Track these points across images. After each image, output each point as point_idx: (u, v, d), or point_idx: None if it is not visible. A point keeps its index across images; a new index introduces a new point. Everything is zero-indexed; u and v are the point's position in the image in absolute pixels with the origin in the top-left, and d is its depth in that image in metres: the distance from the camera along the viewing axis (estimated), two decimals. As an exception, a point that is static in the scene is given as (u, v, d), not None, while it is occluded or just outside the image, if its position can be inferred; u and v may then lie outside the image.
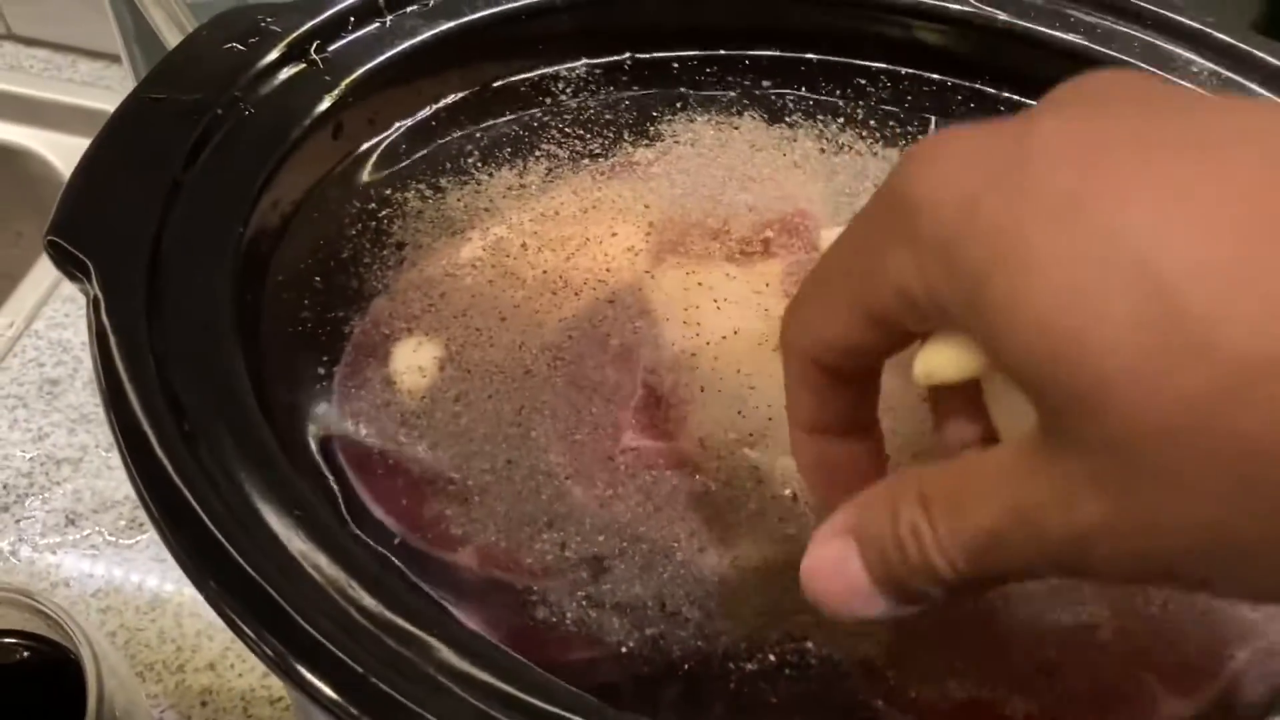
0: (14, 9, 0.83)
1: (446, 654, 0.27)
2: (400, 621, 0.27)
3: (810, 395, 0.26)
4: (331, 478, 0.33)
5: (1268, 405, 0.18)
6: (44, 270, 0.69)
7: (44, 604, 0.40)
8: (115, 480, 0.59)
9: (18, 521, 0.57)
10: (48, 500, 0.58)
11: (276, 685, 0.52)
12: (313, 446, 0.34)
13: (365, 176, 0.41)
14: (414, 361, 0.37)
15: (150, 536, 0.57)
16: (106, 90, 0.81)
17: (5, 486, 0.58)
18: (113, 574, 0.56)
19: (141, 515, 0.57)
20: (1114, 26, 0.44)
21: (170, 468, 0.29)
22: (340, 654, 0.26)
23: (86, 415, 0.62)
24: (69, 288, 0.68)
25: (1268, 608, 0.32)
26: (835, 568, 0.24)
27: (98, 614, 0.54)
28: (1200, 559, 0.19)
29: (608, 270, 0.40)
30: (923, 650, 0.31)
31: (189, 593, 0.54)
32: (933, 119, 0.46)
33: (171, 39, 0.56)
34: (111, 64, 0.83)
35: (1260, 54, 0.43)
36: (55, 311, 0.67)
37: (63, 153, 0.79)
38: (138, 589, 0.55)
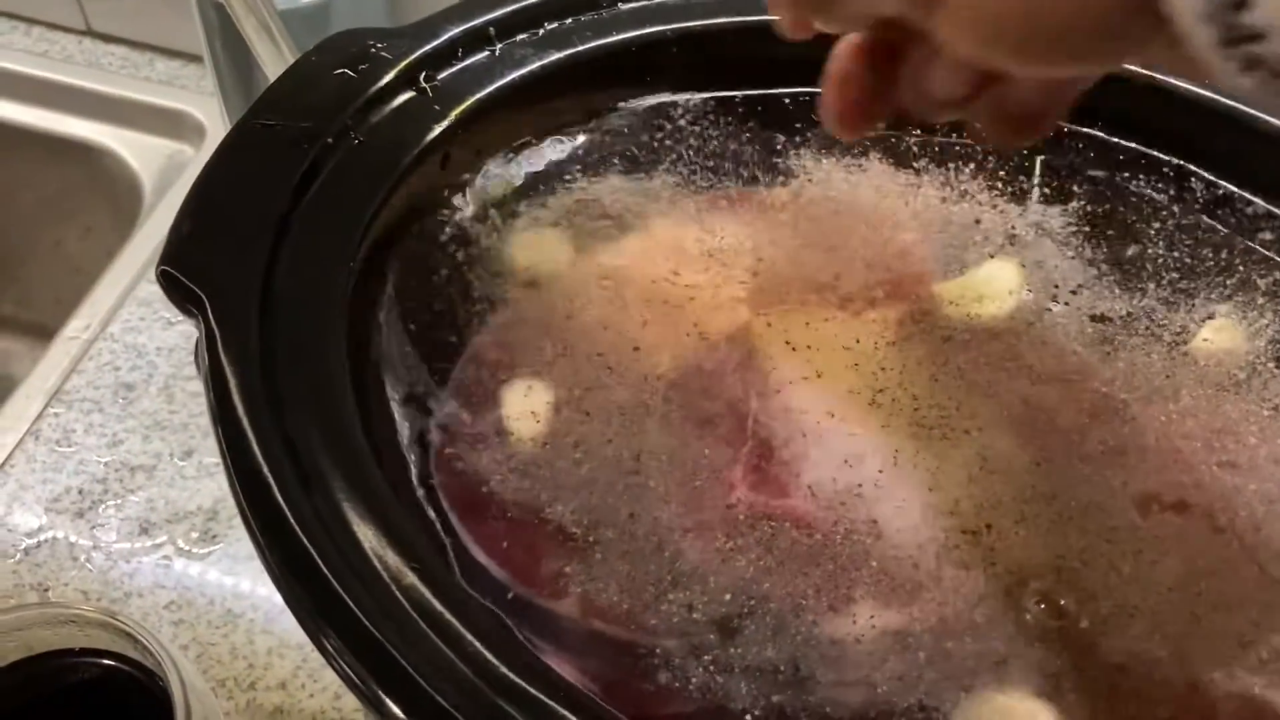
0: (94, 6, 0.83)
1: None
2: (521, 683, 0.27)
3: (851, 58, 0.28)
4: (440, 527, 0.33)
5: None
6: (120, 272, 0.69)
7: (131, 627, 0.40)
8: (189, 490, 0.59)
9: (92, 528, 0.57)
10: (122, 508, 0.58)
11: (348, 707, 0.52)
12: (420, 493, 0.33)
13: (472, 208, 0.41)
14: (526, 406, 0.36)
15: (223, 549, 0.56)
16: (183, 90, 0.81)
17: (81, 492, 0.58)
18: (186, 586, 0.55)
19: (215, 527, 0.57)
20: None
21: (290, 516, 0.28)
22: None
23: (160, 422, 0.62)
24: (144, 291, 0.69)
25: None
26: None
27: (170, 626, 0.54)
28: None
29: (718, 312, 0.39)
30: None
31: (262, 609, 0.54)
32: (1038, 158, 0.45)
33: (259, 45, 0.56)
34: (189, 63, 0.83)
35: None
36: (130, 315, 0.67)
37: (137, 150, 0.79)
38: (210, 603, 0.55)
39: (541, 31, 0.42)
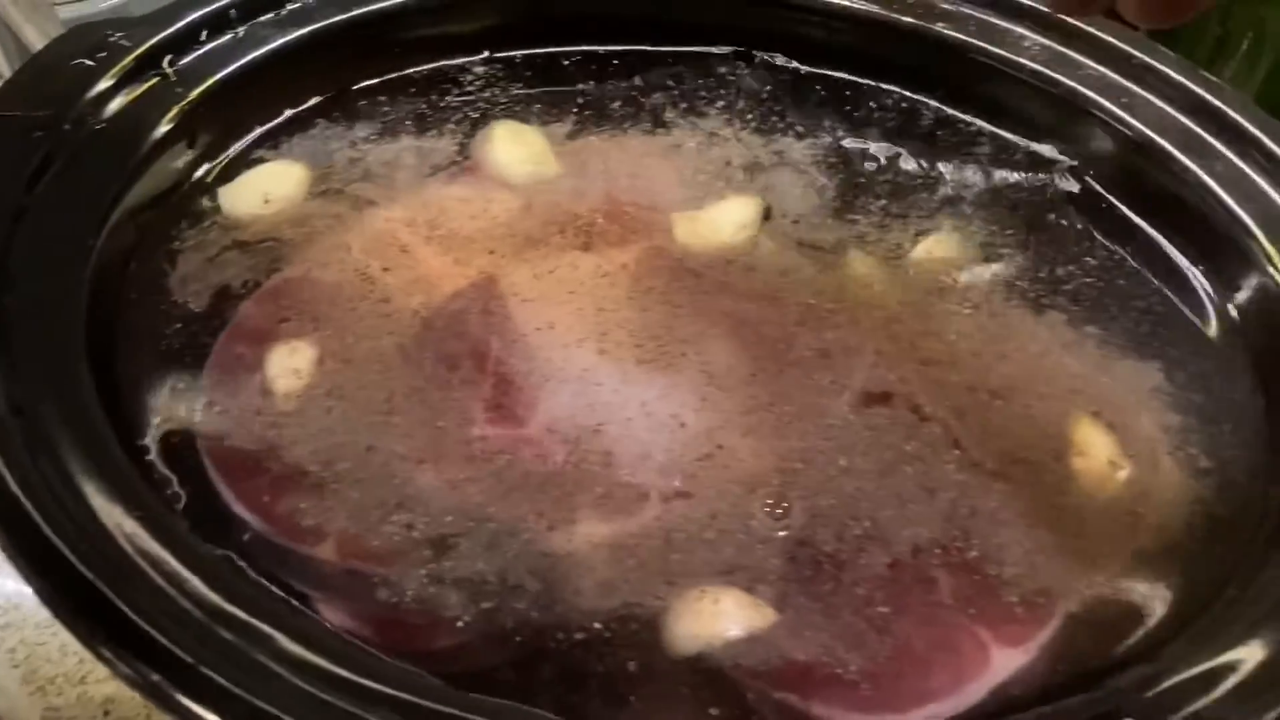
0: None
1: (282, 641, 0.28)
2: (237, 612, 0.28)
3: None
4: (181, 481, 0.34)
5: None
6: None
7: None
8: (13, 497, 0.59)
9: (-85, 543, 0.57)
10: (-55, 520, 0.58)
11: (178, 690, 0.53)
12: (160, 452, 0.34)
13: (222, 184, 0.42)
14: (290, 364, 0.37)
15: (49, 551, 0.57)
16: None
17: (-99, 509, 0.58)
18: (11, 591, 0.56)
19: (40, 530, 0.58)
20: (946, 6, 0.46)
21: (9, 475, 0.29)
22: (171, 645, 0.27)
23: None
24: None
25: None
26: None
27: (-3, 631, 0.54)
28: None
29: (466, 260, 0.41)
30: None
31: (88, 604, 0.55)
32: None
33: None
34: None
35: (1089, 29, 0.45)
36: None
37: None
38: (38, 605, 0.55)
39: (284, 11, 0.44)
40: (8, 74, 0.70)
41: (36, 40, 0.55)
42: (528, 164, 0.43)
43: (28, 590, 0.55)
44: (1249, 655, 0.28)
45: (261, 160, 0.42)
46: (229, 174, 0.42)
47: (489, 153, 0.44)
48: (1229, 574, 0.32)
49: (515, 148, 0.43)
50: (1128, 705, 0.28)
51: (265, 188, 0.41)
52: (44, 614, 0.56)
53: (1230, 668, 0.28)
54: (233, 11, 0.43)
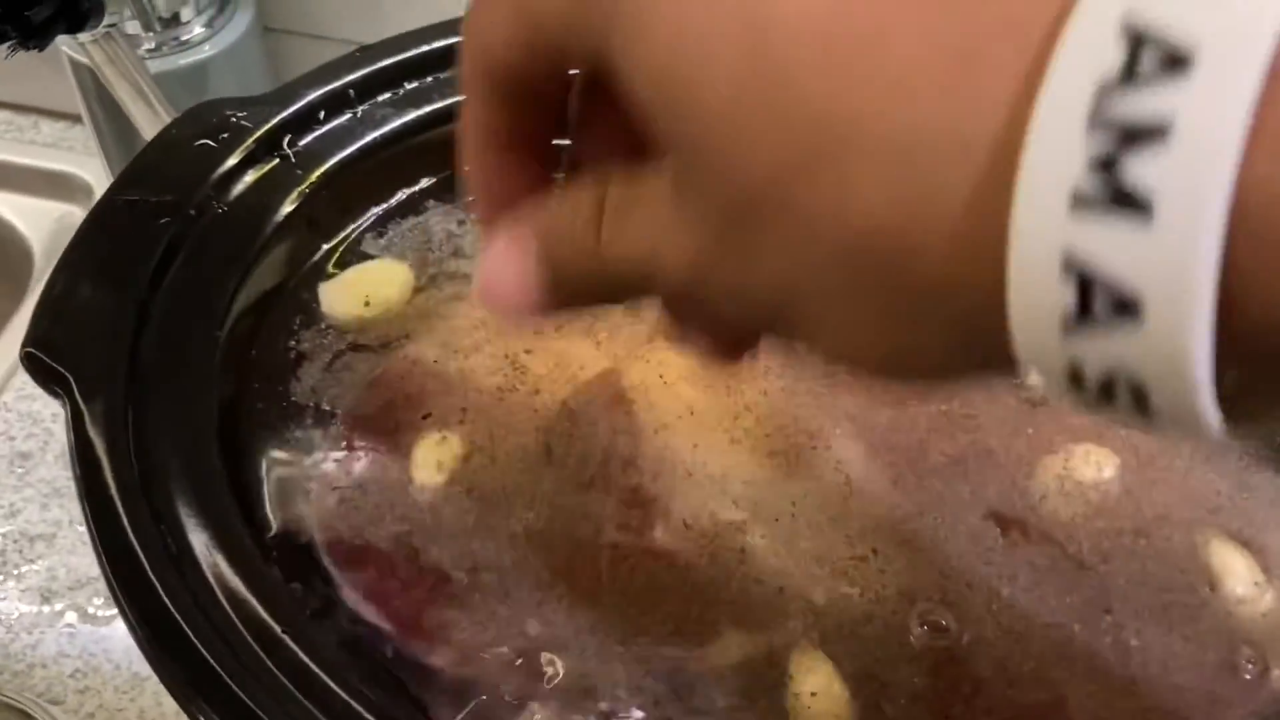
0: (-28, 70, 0.83)
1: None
2: (354, 703, 0.28)
3: (479, 101, 0.24)
4: (304, 574, 0.33)
5: (853, 185, 0.17)
6: (12, 338, 0.69)
7: (22, 702, 0.40)
8: (90, 556, 0.59)
9: (-8, 602, 0.57)
10: (22, 579, 0.58)
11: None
12: (286, 544, 0.34)
13: (344, 263, 0.41)
14: (431, 457, 0.37)
15: (128, 613, 0.56)
16: (69, 151, 0.81)
17: (-21, 566, 0.58)
18: (91, 653, 0.55)
19: (118, 592, 0.57)
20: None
21: (162, 592, 0.29)
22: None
23: (59, 489, 0.61)
24: (37, 357, 0.68)
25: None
26: (508, 261, 0.23)
27: (76, 695, 0.54)
28: (783, 305, 0.19)
29: (590, 357, 0.40)
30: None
31: (169, 671, 0.54)
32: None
33: (133, 108, 0.56)
34: (74, 124, 0.83)
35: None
36: (24, 382, 0.67)
37: (24, 214, 0.79)
38: (116, 669, 0.55)
39: (402, 91, 0.43)
40: (89, 125, 0.70)
41: (130, 100, 0.55)
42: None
43: (106, 654, 0.55)
44: None
45: (369, 255, 0.42)
46: (344, 261, 0.41)
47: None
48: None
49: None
50: None
51: (366, 289, 0.40)
52: (122, 679, 0.55)
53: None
54: (351, 91, 0.42)
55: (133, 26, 0.62)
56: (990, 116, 0.16)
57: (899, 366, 0.20)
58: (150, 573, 0.29)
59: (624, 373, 0.40)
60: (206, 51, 0.63)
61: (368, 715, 0.28)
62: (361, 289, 0.40)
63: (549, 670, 0.33)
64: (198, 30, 0.64)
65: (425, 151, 0.43)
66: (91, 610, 0.57)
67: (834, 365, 0.21)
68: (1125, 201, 0.15)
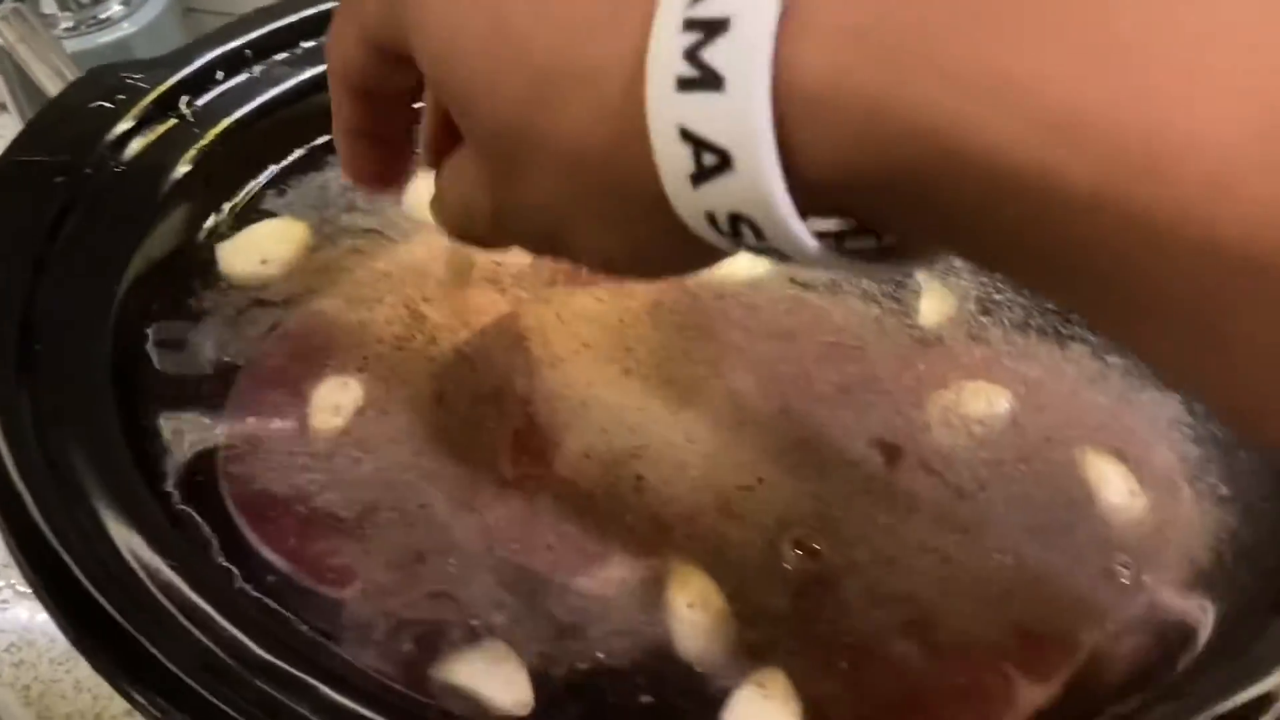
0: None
1: (323, 691, 0.28)
2: (276, 662, 0.28)
3: (346, 104, 0.29)
4: (209, 526, 0.34)
5: (567, 110, 0.21)
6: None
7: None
8: (24, 533, 0.59)
9: (-75, 581, 0.57)
10: (-45, 557, 0.58)
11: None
12: (188, 497, 0.35)
13: (243, 221, 0.42)
14: (334, 401, 0.37)
15: (61, 587, 0.57)
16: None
17: (-89, 546, 0.58)
18: (25, 627, 0.56)
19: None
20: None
21: (46, 529, 0.30)
22: (212, 698, 0.27)
23: (-8, 469, 0.62)
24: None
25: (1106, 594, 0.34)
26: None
27: (11, 669, 0.54)
28: (555, 223, 0.24)
29: (490, 301, 0.41)
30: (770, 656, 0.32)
31: (102, 640, 0.55)
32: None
33: (50, 87, 0.56)
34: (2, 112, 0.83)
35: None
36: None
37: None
38: (51, 641, 0.55)
39: (300, 50, 0.44)
40: (14, 112, 0.71)
41: (46, 79, 0.55)
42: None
43: (40, 627, 0.55)
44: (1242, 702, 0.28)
45: (269, 213, 0.42)
46: (244, 219, 0.42)
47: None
48: (1255, 601, 0.33)
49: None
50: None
51: (263, 248, 0.41)
52: (58, 650, 0.56)
53: (1268, 698, 0.28)
54: (249, 51, 0.43)
55: (50, 5, 0.62)
56: (636, 40, 0.20)
57: (642, 263, 0.24)
58: (34, 511, 0.30)
59: (523, 315, 0.40)
60: (125, 29, 0.64)
61: (294, 670, 0.28)
62: (258, 247, 0.40)
63: (447, 602, 0.33)
64: (116, 8, 0.64)
65: (323, 109, 0.43)
66: (24, 586, 0.57)
67: (600, 272, 0.26)
68: (709, 79, 0.19)
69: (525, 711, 0.31)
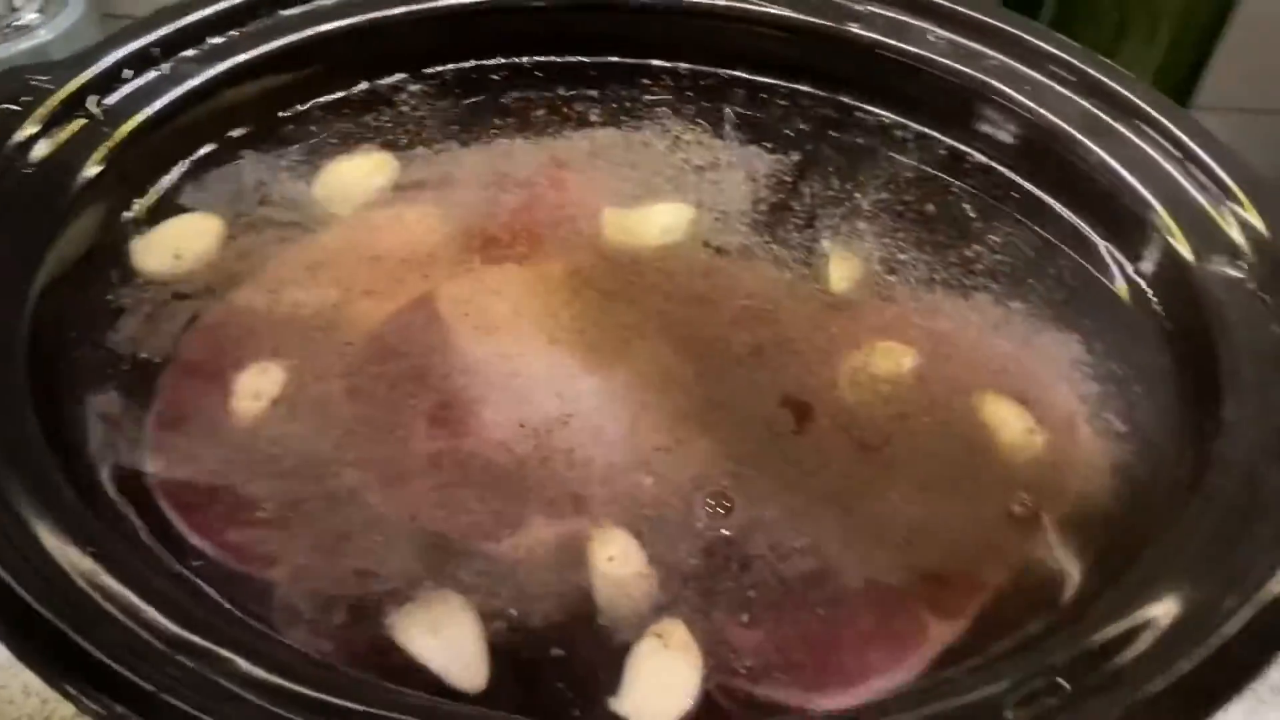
0: None
1: (241, 664, 0.29)
2: (196, 639, 0.29)
3: None
4: (135, 515, 0.34)
5: None
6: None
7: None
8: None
9: None
10: (-103, 571, 0.58)
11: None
12: (112, 489, 0.35)
13: (156, 217, 0.42)
14: (254, 388, 0.38)
15: (5, 594, 0.57)
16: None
17: None
18: (-30, 636, 0.56)
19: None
20: (855, 7, 0.48)
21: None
22: (133, 676, 0.27)
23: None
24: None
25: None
26: None
27: (-43, 677, 0.55)
28: None
29: (405, 284, 0.42)
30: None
31: (48, 644, 0.55)
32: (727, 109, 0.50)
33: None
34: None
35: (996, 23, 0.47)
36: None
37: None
38: (-3, 647, 0.55)
39: (207, 45, 0.44)
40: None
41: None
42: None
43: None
44: (1164, 611, 0.30)
45: (182, 208, 0.43)
46: (155, 216, 0.42)
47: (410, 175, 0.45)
48: (1147, 533, 0.34)
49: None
50: (1055, 665, 0.29)
51: (176, 243, 0.41)
52: (2, 655, 0.56)
53: (1148, 624, 0.29)
54: (155, 49, 0.43)
55: (-37, 16, 0.62)
56: None
57: None
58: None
59: (446, 290, 0.41)
60: (42, 36, 0.64)
61: (234, 657, 0.29)
62: (172, 243, 0.41)
63: (370, 577, 0.34)
64: (32, 16, 0.64)
65: (234, 104, 0.44)
66: (-31, 595, 0.57)
67: None
68: None
69: (480, 681, 0.31)
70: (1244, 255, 0.39)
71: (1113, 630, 0.30)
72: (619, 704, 0.30)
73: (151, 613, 0.29)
